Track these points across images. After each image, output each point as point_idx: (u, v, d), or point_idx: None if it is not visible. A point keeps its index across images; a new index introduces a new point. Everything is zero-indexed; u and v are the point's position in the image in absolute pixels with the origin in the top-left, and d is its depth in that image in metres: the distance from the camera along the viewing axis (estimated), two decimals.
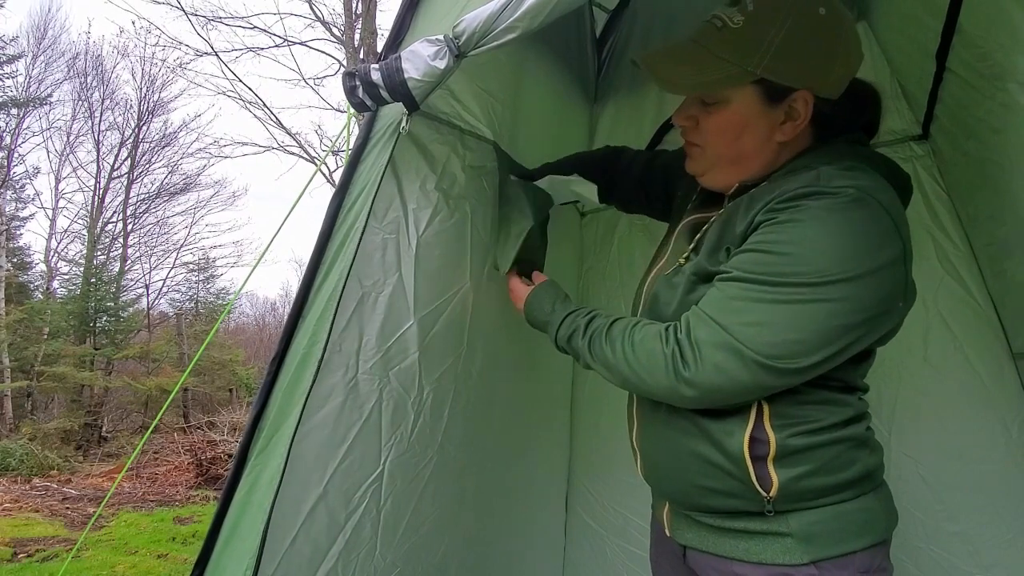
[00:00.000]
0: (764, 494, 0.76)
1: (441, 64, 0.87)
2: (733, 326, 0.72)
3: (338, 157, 7.83)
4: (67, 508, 5.78)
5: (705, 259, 0.82)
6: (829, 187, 0.72)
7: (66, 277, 13.36)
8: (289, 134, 9.27)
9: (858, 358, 0.79)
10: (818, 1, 0.75)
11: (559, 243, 1.44)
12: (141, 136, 14.36)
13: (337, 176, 1.00)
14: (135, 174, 14.22)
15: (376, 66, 0.90)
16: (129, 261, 13.96)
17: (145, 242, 14.59)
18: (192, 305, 14.42)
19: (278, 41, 8.54)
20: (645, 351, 0.79)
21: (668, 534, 0.91)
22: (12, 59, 12.54)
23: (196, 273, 14.76)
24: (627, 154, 1.30)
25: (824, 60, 0.77)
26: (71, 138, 14.06)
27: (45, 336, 11.10)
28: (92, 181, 13.88)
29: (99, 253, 13.32)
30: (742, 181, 0.86)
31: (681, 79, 0.81)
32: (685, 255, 0.88)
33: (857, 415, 0.80)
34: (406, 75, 0.88)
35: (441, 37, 0.87)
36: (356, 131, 1.01)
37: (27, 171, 13.17)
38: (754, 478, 0.76)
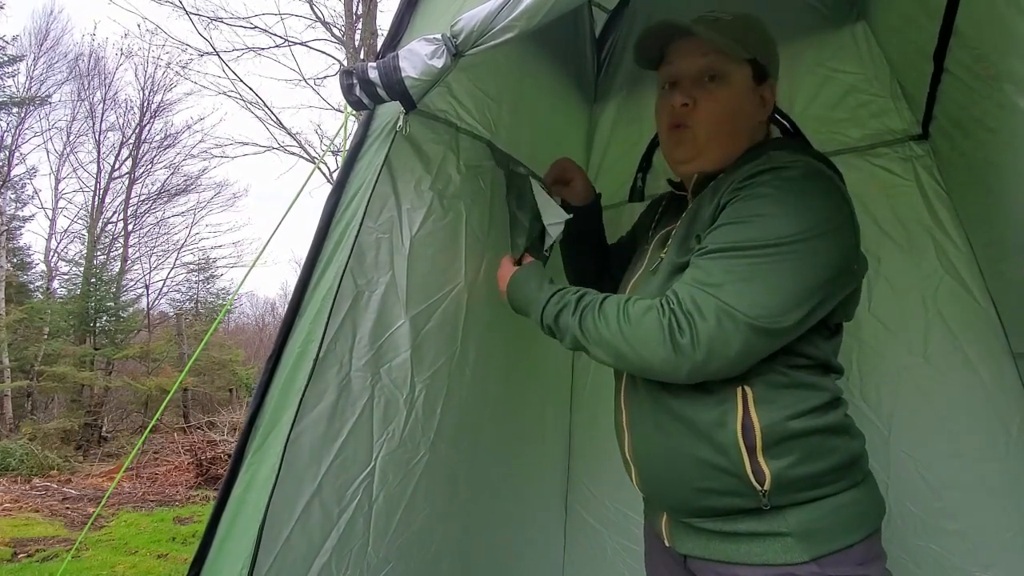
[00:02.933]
0: (759, 487, 0.77)
1: (439, 63, 0.87)
2: (722, 292, 0.75)
3: (337, 157, 7.84)
4: (67, 508, 5.78)
5: (675, 252, 0.88)
6: (782, 163, 0.82)
7: (66, 277, 13.40)
8: (289, 134, 9.29)
9: (830, 332, 0.85)
10: (766, 24, 0.96)
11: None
12: (143, 137, 14.39)
13: (335, 176, 1.01)
14: (136, 174, 14.24)
15: (373, 64, 0.90)
16: (129, 261, 13.99)
17: (145, 242, 14.63)
18: (192, 305, 14.43)
19: (279, 41, 8.56)
20: (642, 324, 0.80)
21: (668, 545, 0.92)
22: (13, 60, 12.55)
23: (196, 273, 14.80)
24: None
25: (774, 58, 0.97)
26: (71, 138, 14.10)
27: (45, 336, 11.10)
28: (92, 181, 13.92)
29: (99, 253, 13.34)
30: (716, 167, 0.93)
31: (716, 40, 0.91)
32: (663, 253, 0.93)
33: (834, 399, 0.84)
34: (403, 74, 0.88)
35: (439, 36, 0.86)
36: (354, 130, 1.02)
37: (27, 171, 13.20)
38: (749, 471, 0.77)
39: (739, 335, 0.74)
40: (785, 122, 1.57)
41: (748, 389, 0.79)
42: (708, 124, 0.92)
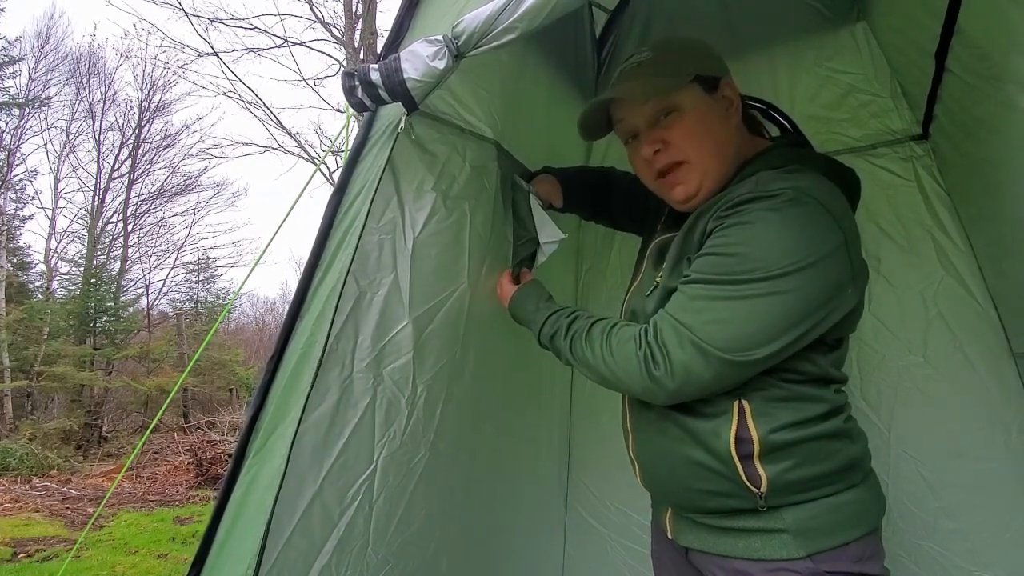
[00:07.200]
0: (755, 491, 0.79)
1: (440, 64, 0.87)
2: (696, 325, 0.78)
3: (338, 157, 7.85)
4: (67, 508, 5.78)
5: (668, 276, 0.89)
6: (767, 191, 0.79)
7: (66, 277, 13.38)
8: (289, 134, 9.29)
9: (828, 348, 0.84)
10: (683, 36, 1.00)
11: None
12: (142, 137, 14.38)
13: (336, 176, 1.01)
14: (136, 174, 14.24)
15: (375, 66, 0.90)
16: (129, 261, 13.98)
17: (145, 242, 14.62)
18: (192, 305, 14.41)
19: (278, 42, 8.56)
20: (621, 354, 0.85)
21: (671, 537, 0.94)
22: (13, 61, 12.55)
23: (196, 273, 14.78)
24: (617, 173, 1.38)
25: (714, 59, 0.96)
26: (71, 138, 14.09)
27: (45, 336, 11.09)
28: (92, 181, 13.91)
29: (99, 253, 13.34)
30: (719, 184, 0.92)
31: (641, 91, 0.93)
32: (659, 276, 0.94)
33: (834, 408, 0.84)
34: (405, 75, 0.88)
35: (440, 37, 0.87)
36: (355, 131, 1.02)
37: (27, 171, 13.18)
38: (743, 476, 0.79)
39: (710, 368, 0.77)
40: (785, 122, 1.57)
41: (745, 403, 0.81)
42: (693, 150, 0.91)
